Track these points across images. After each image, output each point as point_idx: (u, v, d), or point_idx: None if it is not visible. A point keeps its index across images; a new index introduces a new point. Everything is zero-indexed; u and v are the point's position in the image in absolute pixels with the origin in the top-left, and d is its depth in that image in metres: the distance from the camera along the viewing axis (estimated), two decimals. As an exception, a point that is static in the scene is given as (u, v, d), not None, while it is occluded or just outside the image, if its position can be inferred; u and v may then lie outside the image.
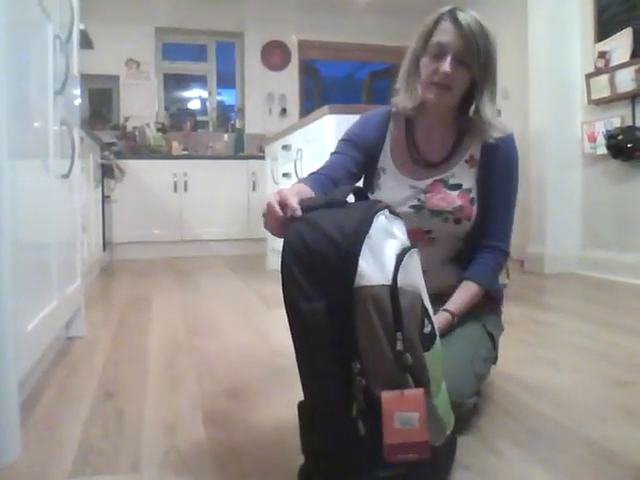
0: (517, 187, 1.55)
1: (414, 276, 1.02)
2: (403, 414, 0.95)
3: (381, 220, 1.03)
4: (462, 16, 1.39)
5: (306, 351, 1.01)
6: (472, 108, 1.45)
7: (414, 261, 1.04)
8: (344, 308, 0.95)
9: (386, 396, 0.95)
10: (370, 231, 0.99)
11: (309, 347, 1.00)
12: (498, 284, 1.62)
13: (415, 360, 0.98)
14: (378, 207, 1.05)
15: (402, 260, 0.99)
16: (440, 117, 1.52)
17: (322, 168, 1.49)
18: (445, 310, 1.43)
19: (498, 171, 1.51)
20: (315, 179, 1.41)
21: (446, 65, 1.39)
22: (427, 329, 1.03)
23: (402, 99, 1.53)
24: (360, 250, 0.96)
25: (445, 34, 1.40)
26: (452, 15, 1.41)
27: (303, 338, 1.01)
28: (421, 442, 0.94)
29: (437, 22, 1.43)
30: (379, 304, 0.95)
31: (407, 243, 1.05)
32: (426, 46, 1.44)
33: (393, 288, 0.96)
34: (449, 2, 1.48)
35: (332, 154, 1.56)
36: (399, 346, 0.96)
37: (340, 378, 0.96)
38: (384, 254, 0.99)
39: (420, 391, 0.96)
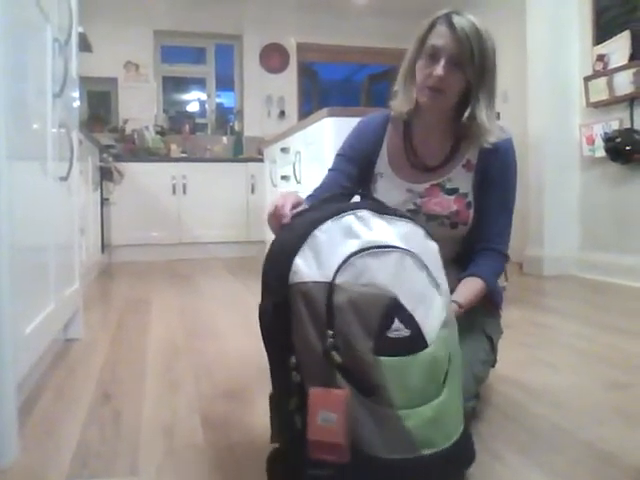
0: (515, 191, 1.54)
1: (378, 275, 1.00)
2: (325, 412, 0.95)
3: (345, 220, 1.03)
4: (457, 19, 1.39)
5: (265, 347, 1.08)
6: (466, 113, 1.44)
7: (379, 261, 1.01)
8: (286, 306, 1.00)
9: (313, 391, 0.96)
10: (316, 231, 1.02)
11: (265, 343, 1.07)
12: (498, 286, 1.62)
13: (350, 360, 0.97)
14: (349, 207, 1.06)
15: (349, 259, 0.99)
16: (436, 121, 1.52)
17: (318, 188, 1.57)
18: (453, 301, 1.36)
19: (495, 175, 1.50)
20: (311, 200, 1.45)
21: (439, 69, 1.38)
22: (397, 333, 0.99)
23: (399, 103, 1.53)
24: (298, 249, 1.00)
25: (439, 38, 1.40)
26: (447, 19, 1.40)
27: (262, 335, 1.08)
28: (337, 444, 0.94)
29: (432, 26, 1.43)
30: (309, 300, 0.97)
31: (377, 243, 1.02)
32: (421, 50, 1.44)
33: (329, 285, 0.97)
34: (448, 5, 1.48)
35: (329, 170, 1.62)
36: (328, 343, 0.96)
37: (284, 373, 1.00)
38: (332, 253, 1.00)
39: (342, 392, 0.96)
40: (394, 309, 0.99)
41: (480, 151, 1.50)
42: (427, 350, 1.01)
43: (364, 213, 1.06)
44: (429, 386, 1.01)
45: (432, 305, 1.05)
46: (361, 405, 0.97)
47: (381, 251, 1.01)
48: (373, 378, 0.97)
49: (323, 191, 1.53)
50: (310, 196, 1.52)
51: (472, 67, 1.39)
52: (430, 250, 1.09)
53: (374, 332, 0.98)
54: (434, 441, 1.00)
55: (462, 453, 1.07)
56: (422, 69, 1.43)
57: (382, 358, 0.97)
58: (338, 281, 0.98)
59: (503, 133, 1.50)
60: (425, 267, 1.06)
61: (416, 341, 1.00)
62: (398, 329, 0.99)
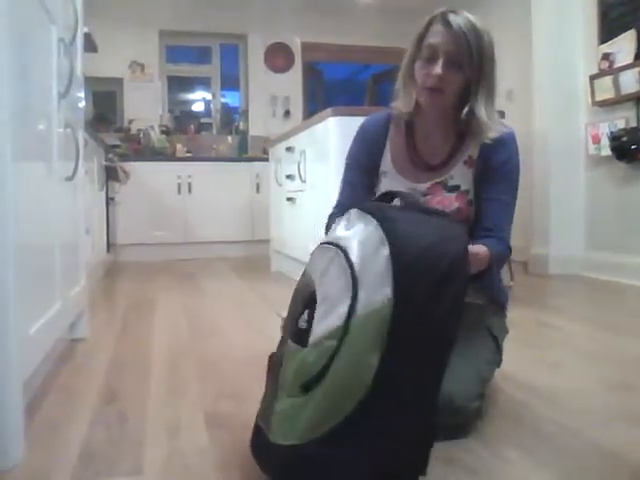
0: (516, 184, 1.52)
1: (314, 269, 1.12)
2: None
3: (340, 219, 1.17)
4: (452, 18, 1.39)
5: None
6: (465, 110, 1.44)
7: (320, 256, 1.11)
8: None
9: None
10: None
11: None
12: (504, 286, 1.61)
13: (284, 333, 1.16)
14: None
15: (313, 252, 1.15)
16: (437, 120, 1.52)
17: (337, 205, 1.63)
18: None
19: (496, 167, 1.49)
20: (334, 217, 1.51)
21: (438, 68, 1.39)
22: (302, 323, 1.07)
23: (399, 104, 1.54)
24: None
25: (436, 37, 1.40)
26: (443, 17, 1.41)
27: None
28: None
29: (429, 25, 1.44)
30: None
31: (328, 240, 1.13)
32: (419, 50, 1.45)
33: None
34: (452, 4, 1.48)
35: (344, 183, 1.64)
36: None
37: None
38: None
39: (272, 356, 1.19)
40: (309, 302, 1.07)
41: (481, 146, 1.49)
42: (302, 350, 1.04)
43: (353, 213, 1.12)
44: (295, 384, 1.04)
45: (332, 311, 1.01)
46: (274, 374, 1.14)
47: (325, 247, 1.11)
48: (282, 354, 1.12)
49: (342, 207, 1.52)
50: (332, 214, 1.58)
51: (470, 64, 1.39)
52: (376, 257, 1.00)
53: (297, 316, 1.10)
54: (286, 433, 1.02)
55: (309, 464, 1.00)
56: (421, 69, 1.43)
57: (289, 340, 1.10)
58: (305, 268, 1.17)
59: (504, 127, 1.50)
60: (347, 271, 1.02)
61: (304, 337, 1.05)
62: (304, 320, 1.07)
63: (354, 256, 1.02)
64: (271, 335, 1.18)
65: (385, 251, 0.99)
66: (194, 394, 1.66)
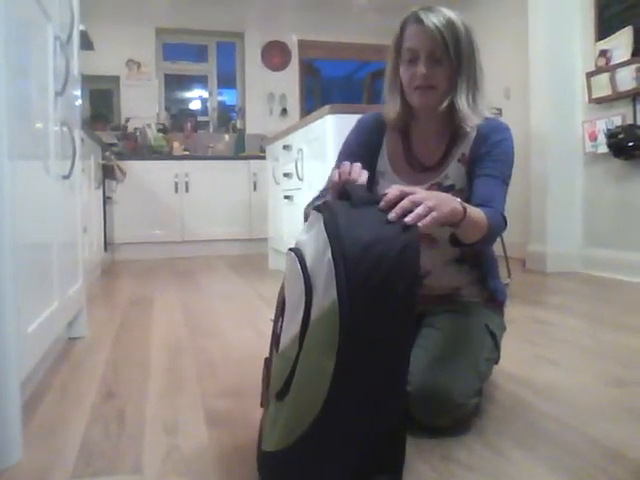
0: (509, 167, 1.47)
1: (286, 271, 1.14)
2: None
3: None
4: (424, 15, 1.40)
5: None
6: (445, 102, 1.44)
7: (287, 259, 1.13)
8: None
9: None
10: None
11: None
12: (501, 284, 1.61)
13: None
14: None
15: None
16: (431, 119, 1.51)
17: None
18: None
19: (490, 149, 1.45)
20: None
21: (421, 68, 1.40)
22: (278, 331, 1.13)
23: (387, 110, 1.54)
24: None
25: (412, 39, 1.42)
26: (415, 17, 1.42)
27: None
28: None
29: (403, 29, 1.46)
30: None
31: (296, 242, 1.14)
32: (399, 55, 1.47)
33: None
34: (449, 3, 1.48)
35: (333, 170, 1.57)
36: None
37: None
38: None
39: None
40: (283, 308, 1.12)
41: (474, 140, 1.48)
42: (278, 353, 1.11)
43: (313, 214, 1.11)
44: (273, 392, 1.09)
45: (293, 319, 1.04)
46: (268, 380, 1.17)
47: (289, 253, 1.12)
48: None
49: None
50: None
51: (449, 58, 1.40)
52: (323, 260, 0.99)
53: (276, 322, 1.16)
54: (268, 440, 1.05)
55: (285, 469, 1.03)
56: (406, 72, 1.45)
57: (273, 346, 1.14)
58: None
59: (490, 120, 1.48)
60: (301, 277, 1.03)
61: (277, 342, 1.11)
62: (280, 327, 1.12)
63: (309, 261, 1.03)
64: (268, 333, 1.18)
65: (328, 254, 0.97)
66: (193, 392, 1.66)
